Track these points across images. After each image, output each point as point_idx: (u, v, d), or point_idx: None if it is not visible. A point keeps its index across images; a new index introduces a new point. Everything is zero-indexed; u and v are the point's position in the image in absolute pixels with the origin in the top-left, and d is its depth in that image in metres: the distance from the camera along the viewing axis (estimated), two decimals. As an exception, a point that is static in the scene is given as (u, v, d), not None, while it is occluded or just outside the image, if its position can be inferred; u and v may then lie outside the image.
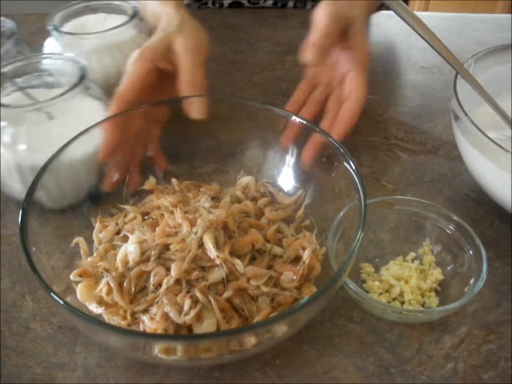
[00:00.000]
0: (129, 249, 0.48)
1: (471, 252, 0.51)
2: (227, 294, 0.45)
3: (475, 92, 0.58)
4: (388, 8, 0.60)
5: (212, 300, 0.44)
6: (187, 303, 0.44)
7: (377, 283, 0.52)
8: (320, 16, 0.63)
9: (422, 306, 0.51)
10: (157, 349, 0.40)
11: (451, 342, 0.49)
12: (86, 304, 0.47)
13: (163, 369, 0.47)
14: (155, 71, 0.60)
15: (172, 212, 0.51)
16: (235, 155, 0.58)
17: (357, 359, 0.48)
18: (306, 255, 0.49)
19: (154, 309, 0.45)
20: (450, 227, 0.53)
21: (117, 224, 0.53)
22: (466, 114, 0.54)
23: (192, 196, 0.55)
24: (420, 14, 0.61)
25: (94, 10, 0.73)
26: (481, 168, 0.55)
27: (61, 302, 0.40)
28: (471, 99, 0.58)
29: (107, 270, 0.48)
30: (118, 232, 0.53)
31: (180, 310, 0.44)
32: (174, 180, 0.58)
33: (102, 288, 0.47)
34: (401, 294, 0.51)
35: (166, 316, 0.44)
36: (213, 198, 0.54)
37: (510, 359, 0.47)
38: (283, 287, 0.48)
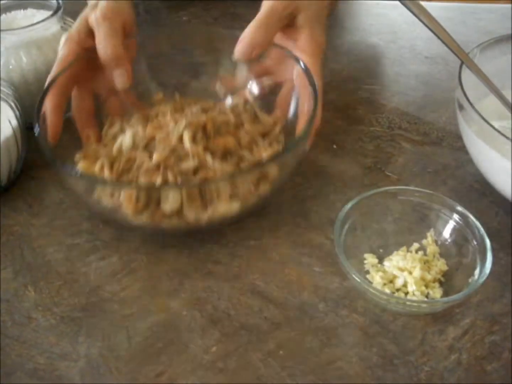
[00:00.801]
0: (125, 140, 0.57)
1: (475, 243, 0.51)
2: (195, 181, 0.53)
3: (480, 83, 0.58)
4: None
5: (180, 177, 0.53)
6: (158, 181, 0.52)
7: (380, 273, 0.52)
8: (264, 5, 0.60)
9: (426, 297, 0.50)
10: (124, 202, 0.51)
11: (455, 333, 0.49)
12: None
13: (166, 359, 0.47)
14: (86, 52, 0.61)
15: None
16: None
17: (361, 350, 0.48)
18: (265, 156, 0.56)
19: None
20: (455, 217, 0.53)
21: (122, 122, 0.61)
22: (471, 104, 0.53)
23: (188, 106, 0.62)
24: (424, 4, 0.60)
25: (24, 6, 0.71)
26: (486, 158, 0.55)
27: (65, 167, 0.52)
28: (476, 91, 0.57)
29: (103, 154, 0.57)
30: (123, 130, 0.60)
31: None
32: (177, 95, 0.66)
33: (97, 166, 0.55)
34: (405, 285, 0.51)
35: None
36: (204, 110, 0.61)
37: (514, 350, 0.47)
38: None
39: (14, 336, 0.49)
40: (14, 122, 0.59)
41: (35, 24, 0.66)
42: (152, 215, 0.51)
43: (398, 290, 0.51)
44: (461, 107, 0.56)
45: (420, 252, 0.53)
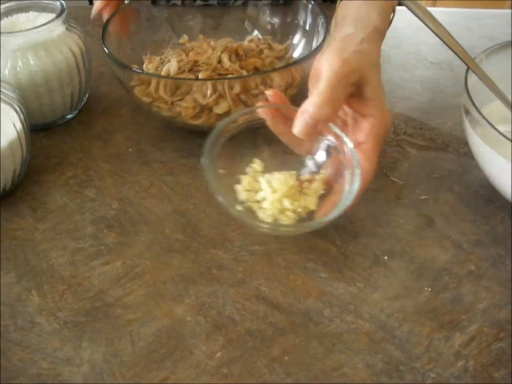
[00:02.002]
0: (172, 65, 0.69)
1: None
2: (236, 89, 0.65)
3: (486, 89, 0.58)
4: (399, 4, 0.60)
5: (226, 88, 0.64)
6: (209, 89, 0.64)
7: (251, 180, 0.52)
8: (327, 71, 0.50)
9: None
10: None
11: (461, 339, 0.48)
12: (143, 98, 0.67)
13: (170, 364, 0.47)
14: None
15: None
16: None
17: (366, 356, 0.47)
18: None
19: (188, 98, 0.65)
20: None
21: (160, 58, 0.73)
22: (477, 109, 0.53)
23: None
24: (428, 9, 0.60)
25: (26, 9, 0.72)
26: (492, 164, 0.55)
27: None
28: (482, 96, 0.57)
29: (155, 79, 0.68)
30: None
31: (204, 96, 0.64)
32: (200, 36, 0.79)
33: (152, 87, 0.66)
34: (263, 200, 0.51)
35: (195, 100, 0.64)
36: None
37: (521, 358, 0.47)
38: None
39: (17, 341, 0.49)
40: (19, 125, 0.59)
41: (41, 26, 0.66)
42: (207, 118, 0.65)
43: (257, 202, 0.51)
44: (467, 112, 0.56)
45: (306, 184, 0.52)
